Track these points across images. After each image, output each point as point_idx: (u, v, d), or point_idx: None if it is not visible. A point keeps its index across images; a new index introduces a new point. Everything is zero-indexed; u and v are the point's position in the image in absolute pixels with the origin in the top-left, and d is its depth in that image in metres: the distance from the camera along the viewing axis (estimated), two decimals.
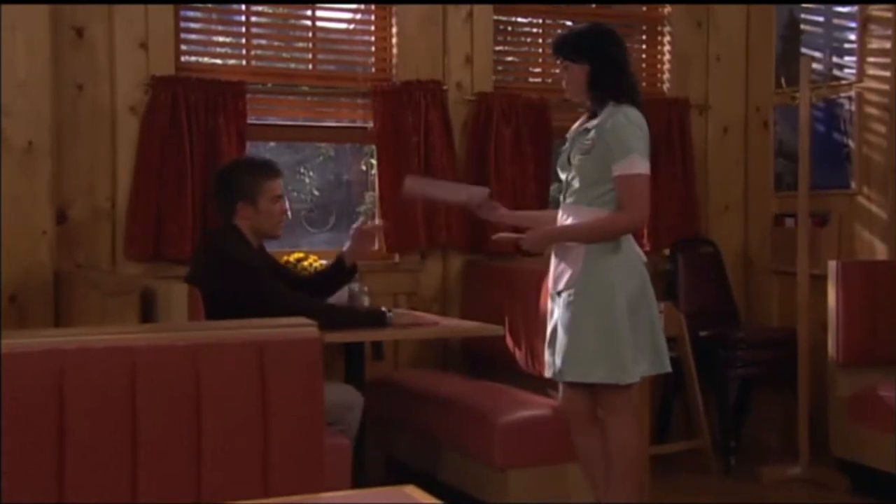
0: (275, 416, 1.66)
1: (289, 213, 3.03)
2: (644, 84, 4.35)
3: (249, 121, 3.60)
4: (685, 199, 4.17)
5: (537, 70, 4.20)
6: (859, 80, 3.83)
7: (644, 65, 4.35)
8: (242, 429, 1.65)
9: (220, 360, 1.64)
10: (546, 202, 4.06)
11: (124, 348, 1.60)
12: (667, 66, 4.29)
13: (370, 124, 3.82)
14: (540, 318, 3.34)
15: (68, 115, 3.41)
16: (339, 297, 3.37)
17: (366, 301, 3.43)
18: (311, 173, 5.17)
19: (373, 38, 3.93)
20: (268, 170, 2.96)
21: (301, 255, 3.59)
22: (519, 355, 3.48)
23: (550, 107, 3.99)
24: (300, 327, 1.74)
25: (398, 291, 3.84)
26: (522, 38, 4.17)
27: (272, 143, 4.81)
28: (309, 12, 3.82)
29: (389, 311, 3.05)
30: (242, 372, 1.66)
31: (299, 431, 1.68)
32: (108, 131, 3.48)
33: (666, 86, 4.29)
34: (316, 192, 4.97)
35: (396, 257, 3.88)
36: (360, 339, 3.13)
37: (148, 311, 2.63)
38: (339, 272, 3.16)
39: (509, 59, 4.13)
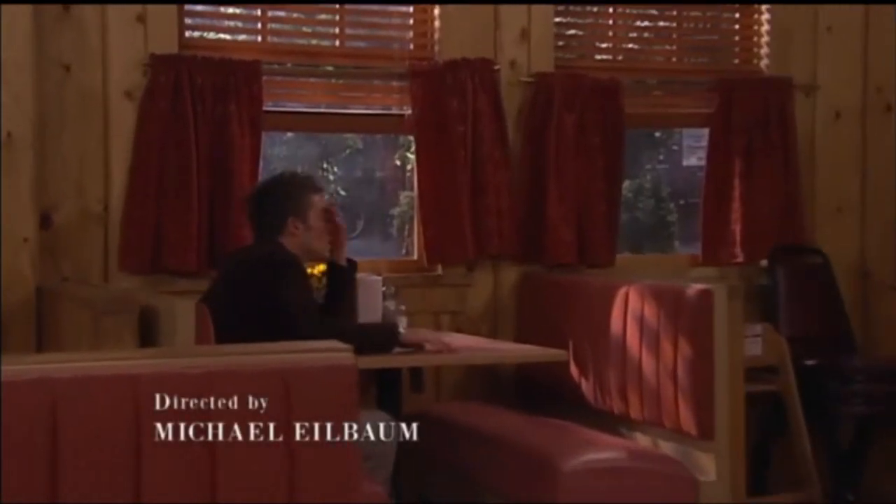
0: (301, 457, 1.67)
1: (341, 225, 3.23)
2: (737, 61, 4.32)
3: (265, 107, 3.62)
4: (787, 199, 4.12)
5: (606, 45, 4.19)
6: None
7: (737, 38, 4.31)
8: (263, 472, 1.66)
9: (237, 391, 1.65)
10: (617, 204, 4.05)
11: (126, 377, 1.62)
12: (765, 40, 4.24)
13: (407, 111, 3.84)
14: (612, 342, 3.33)
15: (53, 102, 3.47)
16: (374, 318, 3.37)
17: (403, 322, 3.43)
18: (335, 169, 5.21)
19: (411, 10, 3.94)
20: (313, 183, 3.20)
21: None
22: (586, 386, 3.47)
23: (623, 89, 3.97)
24: (332, 352, 1.75)
25: (441, 310, 3.85)
26: (588, 8, 4.16)
27: (290, 134, 4.85)
28: None
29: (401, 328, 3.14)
30: (265, 404, 1.66)
31: (330, 477, 1.68)
32: (100, 120, 3.53)
33: (764, 62, 4.25)
34: (342, 192, 5.01)
35: (439, 269, 3.88)
36: (395, 364, 3.14)
37: (148, 333, 2.66)
38: (340, 277, 3.27)
39: (572, 32, 4.12)
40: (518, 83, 3.92)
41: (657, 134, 6.10)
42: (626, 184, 4.26)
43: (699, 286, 3.13)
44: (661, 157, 6.40)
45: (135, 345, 2.61)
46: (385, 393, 3.33)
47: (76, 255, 3.50)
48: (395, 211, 4.68)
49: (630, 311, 3.29)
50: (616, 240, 4.02)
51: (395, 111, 3.94)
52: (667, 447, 3.17)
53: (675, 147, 6.19)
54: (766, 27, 4.24)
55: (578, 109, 3.91)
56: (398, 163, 4.72)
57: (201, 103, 3.52)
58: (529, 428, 3.33)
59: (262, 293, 2.94)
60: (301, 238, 3.10)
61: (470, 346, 3.42)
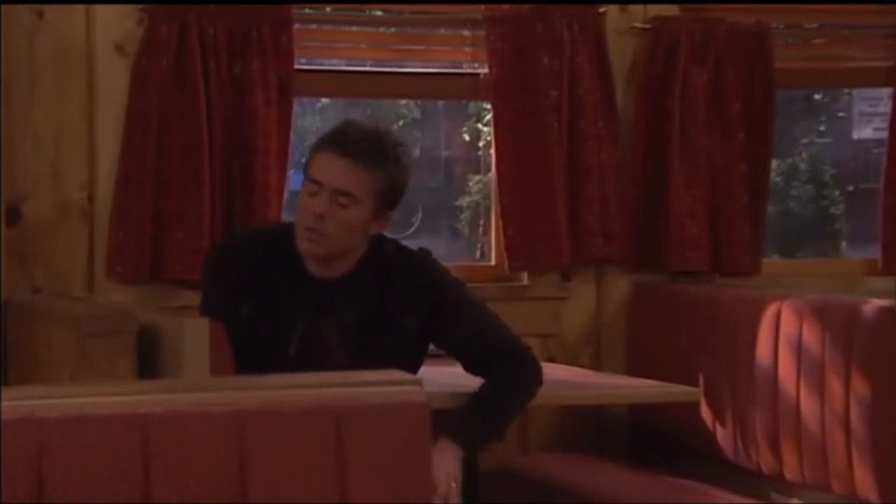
0: None
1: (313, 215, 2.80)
2: None
3: (298, 65, 3.67)
4: None
5: None
6: None
7: None
8: None
9: (277, 434, 1.68)
10: (764, 192, 4.02)
11: (131, 417, 1.65)
12: None
13: (482, 70, 3.86)
14: (758, 376, 3.31)
15: (21, 59, 3.53)
16: None
17: None
18: None
19: None
20: (324, 135, 2.94)
21: None
22: (723, 436, 3.46)
23: (772, 36, 3.95)
24: (397, 385, 1.77)
25: (527, 332, 3.81)
26: None
27: (325, 101, 4.91)
28: None
29: None
30: (311, 453, 1.69)
31: None
32: (83, 83, 3.59)
33: None
34: None
35: (524, 278, 3.90)
36: None
37: (147, 360, 2.71)
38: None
39: None
40: (630, 31, 3.92)
41: (818, 96, 6.04)
42: (776, 164, 4.22)
43: (879, 302, 3.11)
44: (823, 128, 6.33)
45: (132, 374, 2.65)
46: None
47: (52, 260, 3.57)
48: (465, 201, 4.71)
49: (783, 335, 3.27)
50: (762, 239, 4.01)
51: (465, 70, 3.97)
52: None
53: (842, 114, 6.13)
54: None
55: (712, 65, 3.90)
56: (468, 138, 4.74)
57: (214, 61, 3.56)
58: (647, 489, 3.33)
59: None
60: None
61: (566, 380, 3.42)
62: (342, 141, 2.85)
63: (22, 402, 1.65)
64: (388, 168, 2.85)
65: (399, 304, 2.92)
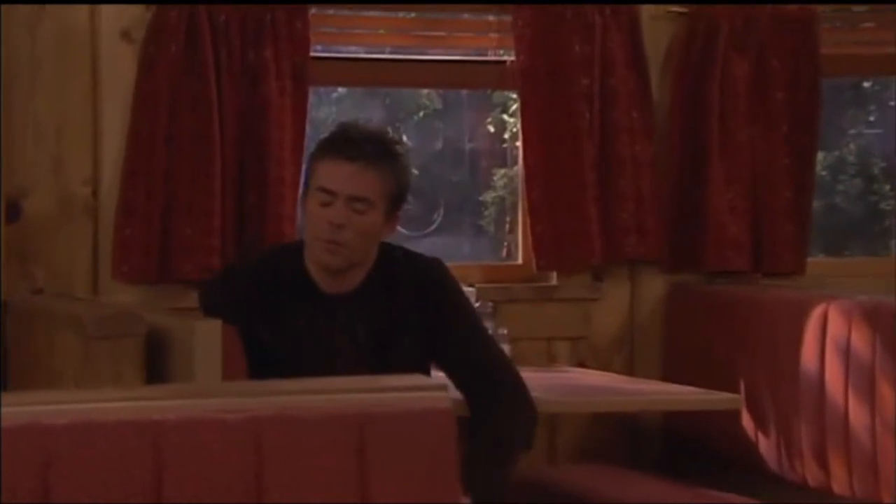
0: None
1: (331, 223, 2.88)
2: None
3: (313, 52, 3.68)
4: None
5: None
6: None
7: None
8: None
9: (295, 442, 1.69)
10: (809, 187, 4.01)
11: (143, 424, 1.66)
12: None
13: (509, 57, 3.86)
14: (803, 383, 3.31)
15: (22, 48, 3.55)
16: None
17: (505, 350, 3.45)
18: (405, 138, 5.26)
19: None
20: (324, 142, 3.02)
21: None
22: (765, 446, 3.46)
23: (818, 20, 3.95)
24: (420, 391, 1.78)
25: (556, 335, 3.86)
26: None
27: (341, 90, 4.93)
28: None
29: None
30: (331, 461, 1.69)
31: None
32: (87, 72, 3.60)
33: None
34: (413, 170, 5.05)
35: (553, 278, 3.91)
36: None
37: (154, 365, 2.73)
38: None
39: None
40: (666, 16, 3.92)
41: (867, 84, 6.01)
42: (821, 157, 4.21)
43: None
44: (873, 119, 6.30)
45: (140, 379, 2.67)
46: None
47: (54, 259, 3.58)
48: (489, 196, 4.72)
49: (830, 339, 3.27)
50: (807, 238, 4.00)
51: (490, 57, 3.97)
52: None
53: (893, 103, 6.09)
54: None
55: (754, 52, 3.90)
56: (492, 129, 4.76)
57: (225, 47, 3.57)
58: (684, 503, 3.32)
59: None
60: None
61: (597, 386, 3.42)
62: (347, 145, 2.92)
63: (26, 408, 1.66)
64: (395, 167, 2.95)
65: (408, 312, 2.98)
